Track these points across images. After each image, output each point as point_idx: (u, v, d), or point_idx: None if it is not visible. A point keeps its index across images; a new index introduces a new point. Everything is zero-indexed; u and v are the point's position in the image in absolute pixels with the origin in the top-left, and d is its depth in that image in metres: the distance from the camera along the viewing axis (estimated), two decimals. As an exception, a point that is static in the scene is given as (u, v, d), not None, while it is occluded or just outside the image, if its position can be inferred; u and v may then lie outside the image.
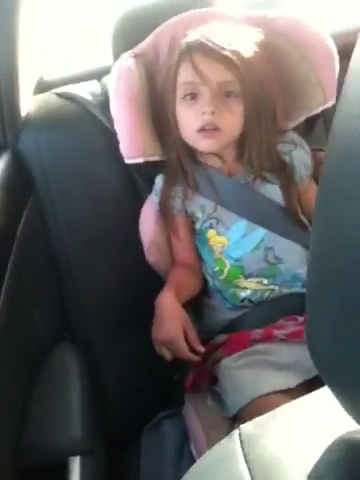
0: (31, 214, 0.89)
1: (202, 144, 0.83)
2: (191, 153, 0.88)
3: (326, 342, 0.32)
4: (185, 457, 0.83)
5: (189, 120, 0.83)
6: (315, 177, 0.92)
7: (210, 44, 0.79)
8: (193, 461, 0.72)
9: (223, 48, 0.79)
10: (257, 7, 0.97)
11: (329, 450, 0.35)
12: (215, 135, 0.81)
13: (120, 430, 0.96)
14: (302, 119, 0.91)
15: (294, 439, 0.38)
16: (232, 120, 0.82)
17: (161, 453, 0.86)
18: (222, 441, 0.41)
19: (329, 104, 0.87)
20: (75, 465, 0.74)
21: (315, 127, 0.95)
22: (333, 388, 0.33)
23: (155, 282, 0.93)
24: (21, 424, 0.74)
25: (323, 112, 0.90)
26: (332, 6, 1.19)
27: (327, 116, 0.92)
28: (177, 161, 0.87)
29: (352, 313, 0.28)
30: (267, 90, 0.83)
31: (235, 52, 0.79)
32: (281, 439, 0.39)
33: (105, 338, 0.98)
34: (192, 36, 0.82)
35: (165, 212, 0.89)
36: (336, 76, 0.86)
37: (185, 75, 0.82)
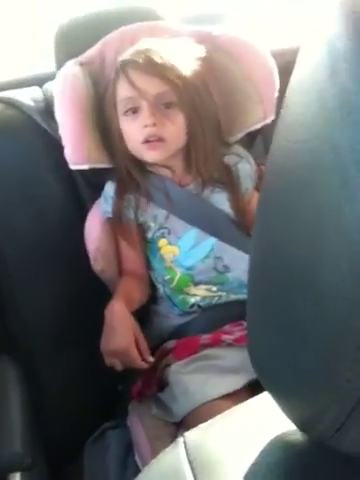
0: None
1: (148, 155, 0.85)
2: (140, 164, 0.89)
3: (264, 349, 0.33)
4: (129, 469, 0.82)
5: (133, 134, 0.84)
6: (257, 189, 0.94)
7: (142, 59, 0.81)
8: (137, 472, 0.71)
9: (155, 62, 0.81)
10: (202, 21, 0.99)
11: (266, 451, 0.36)
12: (160, 146, 0.83)
13: (63, 444, 0.93)
14: (243, 134, 0.93)
15: (237, 443, 0.39)
16: (174, 130, 0.83)
17: (104, 466, 0.85)
18: (167, 449, 0.41)
19: (268, 120, 0.90)
20: (15, 482, 0.71)
21: (255, 142, 0.98)
22: (272, 392, 0.34)
23: (97, 294, 0.92)
24: None
25: (262, 127, 0.93)
26: (273, 23, 1.24)
27: (266, 131, 0.95)
28: (126, 171, 0.88)
29: (286, 322, 0.29)
30: (207, 101, 0.85)
31: (167, 64, 0.81)
32: (225, 444, 0.39)
33: (46, 351, 0.95)
34: (127, 53, 0.84)
35: (118, 221, 0.88)
36: (276, 94, 0.89)
37: (123, 91, 0.83)
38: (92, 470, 0.87)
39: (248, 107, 0.90)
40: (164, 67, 0.80)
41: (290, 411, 0.33)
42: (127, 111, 0.83)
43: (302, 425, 0.33)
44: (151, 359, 0.82)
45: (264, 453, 0.36)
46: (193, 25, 0.94)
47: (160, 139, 0.82)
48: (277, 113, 0.89)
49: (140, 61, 0.81)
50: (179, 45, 0.85)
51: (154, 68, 0.80)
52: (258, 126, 0.92)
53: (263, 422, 0.39)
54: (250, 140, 0.97)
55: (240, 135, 0.93)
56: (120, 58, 0.84)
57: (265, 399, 0.37)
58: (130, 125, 0.84)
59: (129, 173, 0.88)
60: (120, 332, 0.81)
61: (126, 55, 0.84)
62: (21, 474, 0.73)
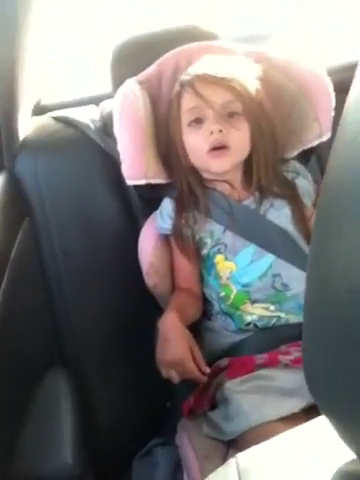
0: (26, 236, 0.88)
1: (214, 164, 0.85)
2: (200, 180, 0.89)
3: (322, 372, 0.32)
4: (177, 487, 0.82)
5: (197, 143, 0.85)
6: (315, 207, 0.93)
7: (208, 73, 0.83)
8: (186, 490, 0.71)
9: (220, 73, 0.83)
10: (251, 40, 1.00)
11: None
12: (225, 153, 0.83)
13: (110, 457, 0.94)
14: (299, 151, 0.93)
15: (291, 470, 0.38)
16: (240, 137, 0.84)
17: (153, 482, 0.84)
18: (219, 469, 0.40)
19: (325, 138, 0.90)
20: (65, 492, 0.72)
21: (309, 162, 0.97)
22: (329, 417, 0.33)
23: (149, 309, 0.92)
24: (12, 449, 0.72)
25: (317, 147, 0.92)
26: (327, 40, 1.23)
27: (320, 151, 0.94)
28: (187, 187, 0.89)
29: (347, 345, 0.28)
30: (266, 115, 0.86)
31: (232, 75, 0.83)
32: (278, 470, 0.38)
33: (97, 365, 0.96)
34: (192, 70, 0.86)
35: (178, 237, 0.89)
36: (332, 111, 0.88)
37: (188, 102, 0.85)
38: (140, 485, 0.87)
39: (304, 125, 0.90)
40: (229, 78, 0.82)
41: (349, 439, 0.32)
42: (192, 122, 0.85)
43: (363, 454, 0.31)
44: (208, 370, 0.81)
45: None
46: (245, 44, 0.95)
47: (225, 147, 0.83)
48: (333, 131, 0.89)
49: (205, 73, 0.83)
50: (239, 62, 0.87)
51: (219, 79, 0.82)
52: (314, 144, 0.91)
53: (320, 449, 0.38)
54: (305, 160, 0.96)
55: (296, 152, 0.93)
56: (185, 73, 0.86)
57: (322, 424, 0.35)
58: (195, 136, 0.85)
59: (189, 188, 0.89)
60: (175, 343, 0.80)
61: (191, 70, 0.86)
62: (71, 485, 0.74)
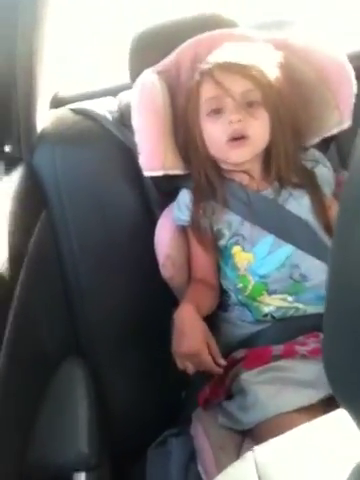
0: (43, 228, 0.89)
1: (233, 154, 0.84)
2: (218, 171, 0.89)
3: (341, 364, 0.32)
4: (191, 477, 0.82)
5: (216, 133, 0.84)
6: (335, 196, 0.92)
7: (227, 61, 0.82)
8: (200, 480, 0.71)
9: (240, 61, 0.82)
10: (272, 27, 0.99)
11: (341, 476, 0.35)
12: (245, 143, 0.83)
13: (126, 447, 0.95)
14: (319, 139, 0.92)
15: (309, 464, 0.38)
16: (259, 126, 0.83)
17: (167, 471, 0.85)
18: (236, 463, 0.40)
19: (345, 126, 0.88)
20: (80, 481, 0.73)
21: (328, 150, 0.95)
22: (349, 410, 0.33)
23: (165, 301, 0.92)
24: (27, 438, 0.73)
25: (337, 135, 0.91)
26: (349, 25, 1.21)
27: (340, 139, 0.93)
28: (205, 178, 0.88)
29: None
30: (287, 103, 0.85)
31: (251, 64, 0.82)
32: (296, 463, 0.38)
33: (113, 354, 0.97)
34: (211, 56, 0.85)
35: (196, 228, 0.88)
36: (353, 99, 0.87)
37: (207, 91, 0.84)
38: (154, 475, 0.87)
39: (324, 112, 0.89)
40: (248, 66, 0.81)
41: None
42: (211, 112, 0.84)
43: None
44: (223, 362, 0.81)
45: (338, 478, 0.34)
46: (264, 31, 0.93)
47: (245, 137, 0.82)
48: (354, 119, 0.87)
49: (225, 62, 0.82)
50: (259, 49, 0.86)
51: (239, 67, 0.81)
52: (334, 132, 0.90)
53: (338, 442, 0.38)
54: (324, 148, 0.95)
55: (316, 140, 0.92)
56: (204, 62, 0.85)
57: (341, 417, 0.35)
58: (214, 125, 0.84)
59: (207, 179, 0.88)
60: (191, 334, 0.80)
61: (211, 58, 0.84)
62: (86, 474, 0.75)
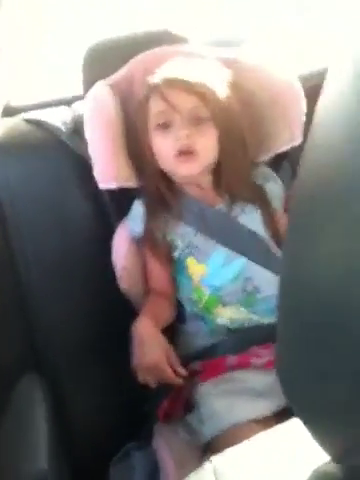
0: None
1: (181, 169, 0.84)
2: (169, 183, 0.89)
3: (295, 375, 0.32)
4: (154, 490, 0.81)
5: (165, 147, 0.84)
6: (286, 211, 0.93)
7: (175, 77, 0.82)
8: (163, 494, 0.71)
9: (188, 78, 0.82)
10: (223, 45, 1.00)
11: None
12: (192, 158, 0.83)
13: (88, 462, 0.93)
14: (270, 155, 0.93)
15: (267, 472, 0.38)
16: (207, 143, 0.83)
17: (130, 486, 0.84)
18: (193, 473, 0.40)
19: (296, 143, 0.90)
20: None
21: (281, 167, 0.97)
22: (304, 420, 0.33)
23: (123, 312, 0.91)
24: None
25: (289, 153, 0.92)
26: (298, 46, 1.24)
27: (293, 157, 0.94)
28: (157, 190, 0.88)
29: (318, 349, 0.29)
30: (237, 120, 0.85)
31: (200, 81, 0.82)
32: (253, 472, 0.38)
33: (72, 369, 0.95)
34: (160, 71, 0.85)
35: (149, 240, 0.88)
36: (303, 117, 0.88)
37: (155, 106, 0.84)
38: (118, 490, 0.86)
39: (276, 130, 0.90)
40: (195, 83, 0.81)
41: (323, 441, 0.32)
42: (159, 126, 0.84)
43: (336, 456, 0.31)
44: (184, 371, 0.81)
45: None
46: (216, 48, 0.95)
47: (192, 152, 0.82)
48: (304, 137, 0.89)
49: (173, 77, 0.82)
50: (207, 66, 0.86)
51: (186, 84, 0.81)
52: (285, 148, 0.91)
53: (294, 450, 0.38)
54: (278, 164, 0.96)
55: (268, 156, 0.93)
56: (153, 76, 0.85)
57: (296, 426, 0.36)
58: (163, 140, 0.84)
59: (159, 192, 0.88)
60: (150, 347, 0.80)
61: (159, 73, 0.85)
62: (46, 491, 0.73)
